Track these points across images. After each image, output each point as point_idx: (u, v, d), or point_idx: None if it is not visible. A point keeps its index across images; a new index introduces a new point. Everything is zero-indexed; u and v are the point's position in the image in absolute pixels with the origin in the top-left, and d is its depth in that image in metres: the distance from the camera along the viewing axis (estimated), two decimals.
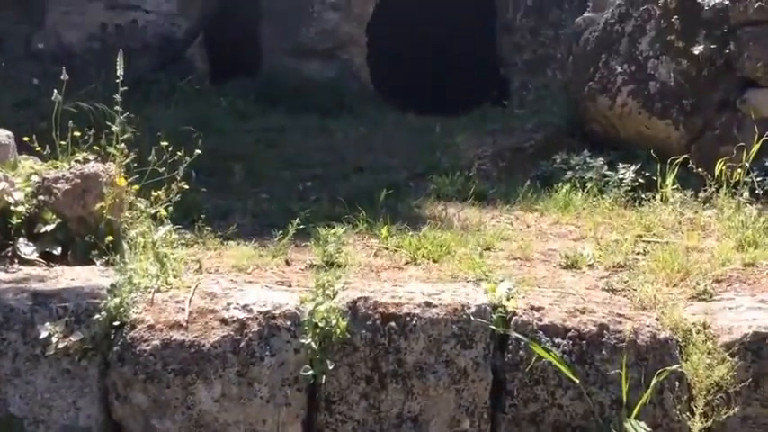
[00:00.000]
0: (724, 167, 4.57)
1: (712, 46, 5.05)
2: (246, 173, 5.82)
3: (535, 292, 3.00)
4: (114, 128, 3.64)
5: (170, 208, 3.58)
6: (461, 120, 8.20)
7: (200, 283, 2.86)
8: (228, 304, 2.60)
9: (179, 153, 3.72)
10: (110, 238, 3.31)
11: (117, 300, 2.56)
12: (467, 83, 10.76)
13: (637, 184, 4.98)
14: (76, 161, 3.78)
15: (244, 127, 7.32)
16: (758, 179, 4.66)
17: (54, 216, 3.35)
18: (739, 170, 4.50)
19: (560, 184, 5.13)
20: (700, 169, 4.69)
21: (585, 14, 5.96)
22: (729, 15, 5.00)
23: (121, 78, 3.66)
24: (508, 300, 2.79)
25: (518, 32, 10.38)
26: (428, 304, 2.61)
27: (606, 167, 5.25)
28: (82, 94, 4.67)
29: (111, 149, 3.63)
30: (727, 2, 4.98)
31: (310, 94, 9.37)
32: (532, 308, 2.71)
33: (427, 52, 10.96)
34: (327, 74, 9.95)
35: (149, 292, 2.73)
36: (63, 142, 3.90)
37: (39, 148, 3.87)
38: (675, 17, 5.17)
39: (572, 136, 6.05)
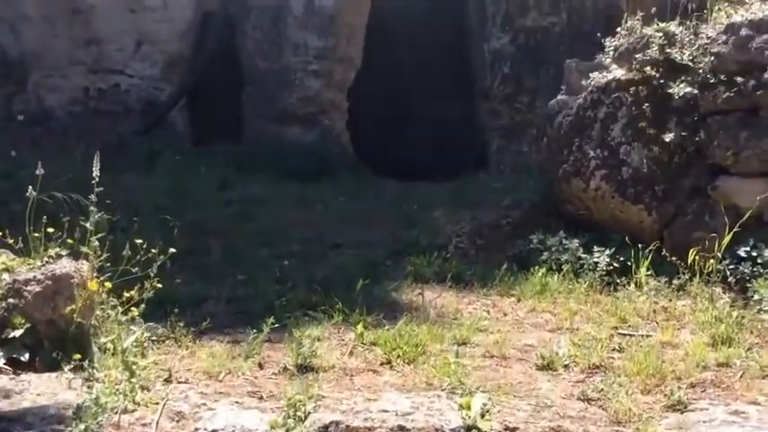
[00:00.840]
0: (697, 257, 4.65)
1: (683, 133, 5.17)
2: (224, 251, 5.79)
3: (511, 405, 2.98)
4: (88, 226, 3.60)
5: (143, 305, 3.55)
6: (440, 189, 8.29)
7: (169, 400, 2.80)
8: (196, 430, 2.55)
9: (153, 250, 3.70)
10: (79, 342, 3.26)
11: (82, 426, 2.50)
12: (446, 146, 10.93)
13: (611, 268, 5.03)
14: (49, 257, 3.74)
15: (224, 198, 7.32)
16: (730, 267, 4.72)
17: (23, 320, 3.29)
18: (712, 260, 4.57)
19: (537, 268, 5.16)
20: (673, 257, 4.77)
21: (559, 97, 6.08)
22: (699, 104, 5.14)
23: (98, 177, 3.63)
24: (482, 417, 2.76)
25: (495, 99, 10.60)
26: (401, 428, 2.58)
27: (581, 250, 5.29)
28: (60, 182, 4.60)
29: (85, 248, 3.60)
30: (696, 91, 5.12)
31: (291, 159, 9.44)
32: (507, 429, 2.69)
33: (407, 116, 11.13)
34: (308, 138, 10.07)
35: (116, 413, 2.67)
36: (37, 234, 3.86)
37: (11, 241, 3.83)
38: (646, 104, 5.30)
39: (548, 214, 6.11)
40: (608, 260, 5.07)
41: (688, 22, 5.58)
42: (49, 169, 4.38)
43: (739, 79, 4.94)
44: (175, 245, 4.10)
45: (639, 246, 4.92)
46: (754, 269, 4.68)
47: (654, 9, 5.82)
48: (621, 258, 5.04)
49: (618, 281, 4.93)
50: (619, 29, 5.80)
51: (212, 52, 10.00)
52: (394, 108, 10.97)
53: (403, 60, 10.82)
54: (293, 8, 9.87)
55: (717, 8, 5.54)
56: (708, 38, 5.18)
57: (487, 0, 10.45)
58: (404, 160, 10.36)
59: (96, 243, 3.62)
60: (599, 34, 6.18)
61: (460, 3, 10.69)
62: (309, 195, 7.74)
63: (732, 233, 4.65)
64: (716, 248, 4.64)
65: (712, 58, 5.08)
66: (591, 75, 5.81)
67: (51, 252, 3.76)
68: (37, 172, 3.89)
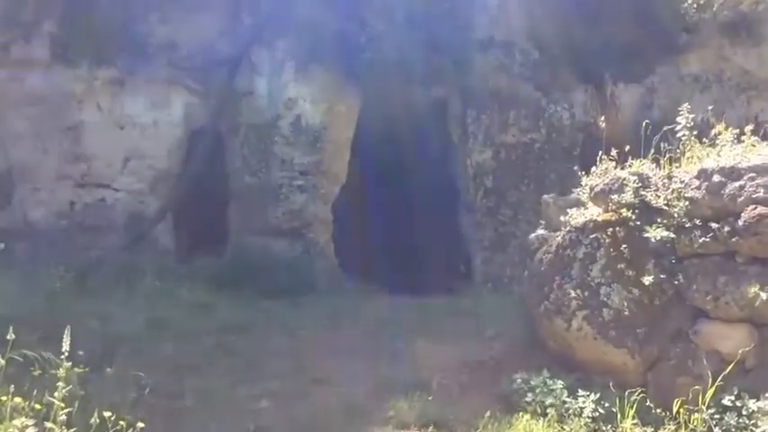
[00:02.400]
0: (682, 409, 4.57)
1: (662, 275, 5.18)
2: (199, 392, 5.62)
3: None
4: (56, 401, 3.50)
5: None
6: (424, 310, 8.24)
7: None
8: None
9: (121, 422, 3.59)
10: None
11: None
12: (432, 258, 10.95)
13: (597, 414, 4.92)
14: (15, 427, 3.62)
15: (204, 326, 7.18)
16: (716, 416, 4.63)
17: None
18: (697, 414, 4.49)
19: (521, 413, 5.05)
20: (658, 408, 4.69)
21: (539, 232, 6.14)
22: (676, 247, 5.18)
23: (67, 352, 3.56)
24: None
25: (479, 212, 10.74)
26: None
27: (566, 392, 5.20)
28: (34, 339, 4.54)
29: (50, 424, 3.48)
30: (672, 235, 5.17)
31: (276, 274, 9.41)
32: None
33: (392, 228, 11.21)
34: (293, 252, 10.07)
35: None
36: (4, 398, 3.76)
37: None
38: (624, 246, 5.34)
39: (532, 347, 6.04)
40: (593, 406, 4.97)
41: (663, 160, 5.73)
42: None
43: (714, 225, 5.01)
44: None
45: (624, 392, 4.85)
46: (740, 420, 4.59)
47: (627, 147, 5.99)
48: (606, 404, 4.95)
49: (604, 428, 4.82)
50: (594, 167, 5.92)
51: (200, 167, 10.14)
52: (378, 221, 11.06)
53: (388, 174, 11.01)
54: (281, 126, 10.10)
55: (689, 147, 5.71)
56: (681, 182, 5.29)
57: (469, 116, 10.77)
58: (389, 273, 10.36)
59: (63, 417, 3.51)
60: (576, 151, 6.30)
61: (443, 118, 10.99)
62: (292, 319, 7.65)
63: (716, 383, 4.59)
64: (700, 399, 4.57)
65: (687, 202, 5.18)
66: (569, 211, 5.89)
67: (17, 422, 3.65)
68: (8, 337, 3.84)
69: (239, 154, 10.20)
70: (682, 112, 5.53)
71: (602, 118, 9.28)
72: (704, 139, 5.73)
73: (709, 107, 8.66)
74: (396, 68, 9.79)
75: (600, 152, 6.04)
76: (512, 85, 10.91)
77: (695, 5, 11.31)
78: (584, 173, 6.10)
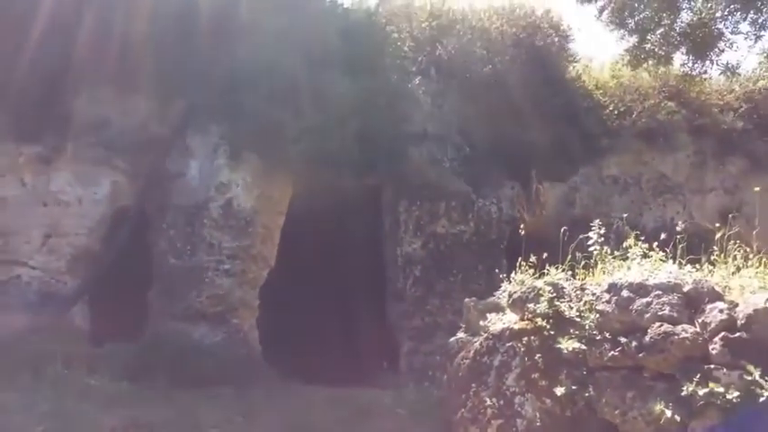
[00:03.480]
0: None
1: (573, 387, 5.24)
2: None
3: None
4: None
5: None
6: (344, 405, 8.08)
7: None
8: None
9: None
10: None
11: None
12: (358, 347, 10.84)
13: None
14: None
15: (110, 422, 6.80)
16: None
17: None
18: None
19: None
20: None
21: (459, 335, 6.18)
22: (587, 359, 5.28)
23: None
24: None
25: (407, 301, 10.77)
26: None
27: None
28: None
29: None
30: (584, 347, 5.27)
31: (195, 361, 9.08)
32: None
33: (320, 316, 11.09)
34: (215, 338, 9.78)
35: None
36: None
37: None
38: (538, 355, 5.41)
39: None
40: None
41: (578, 269, 5.90)
42: None
43: (623, 339, 5.14)
44: None
45: None
46: None
47: (546, 254, 6.16)
48: None
49: None
50: (513, 273, 6.05)
51: (122, 247, 9.86)
52: (306, 307, 10.94)
53: (318, 260, 10.97)
54: (211, 209, 9.99)
55: (601, 260, 5.92)
56: (593, 294, 5.44)
57: (400, 206, 10.94)
58: (314, 360, 10.17)
59: None
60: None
61: (375, 207, 11.13)
62: (205, 414, 7.34)
63: None
64: None
65: (597, 315, 5.31)
66: (488, 315, 5.97)
67: None
68: None
69: (165, 235, 9.99)
70: (594, 228, 5.76)
71: (527, 215, 9.62)
72: (615, 252, 5.95)
73: (624, 215, 9.08)
74: (329, 158, 9.91)
75: (524, 247, 6.18)
76: (443, 178, 11.20)
77: (616, 112, 12.04)
78: (505, 276, 6.23)
